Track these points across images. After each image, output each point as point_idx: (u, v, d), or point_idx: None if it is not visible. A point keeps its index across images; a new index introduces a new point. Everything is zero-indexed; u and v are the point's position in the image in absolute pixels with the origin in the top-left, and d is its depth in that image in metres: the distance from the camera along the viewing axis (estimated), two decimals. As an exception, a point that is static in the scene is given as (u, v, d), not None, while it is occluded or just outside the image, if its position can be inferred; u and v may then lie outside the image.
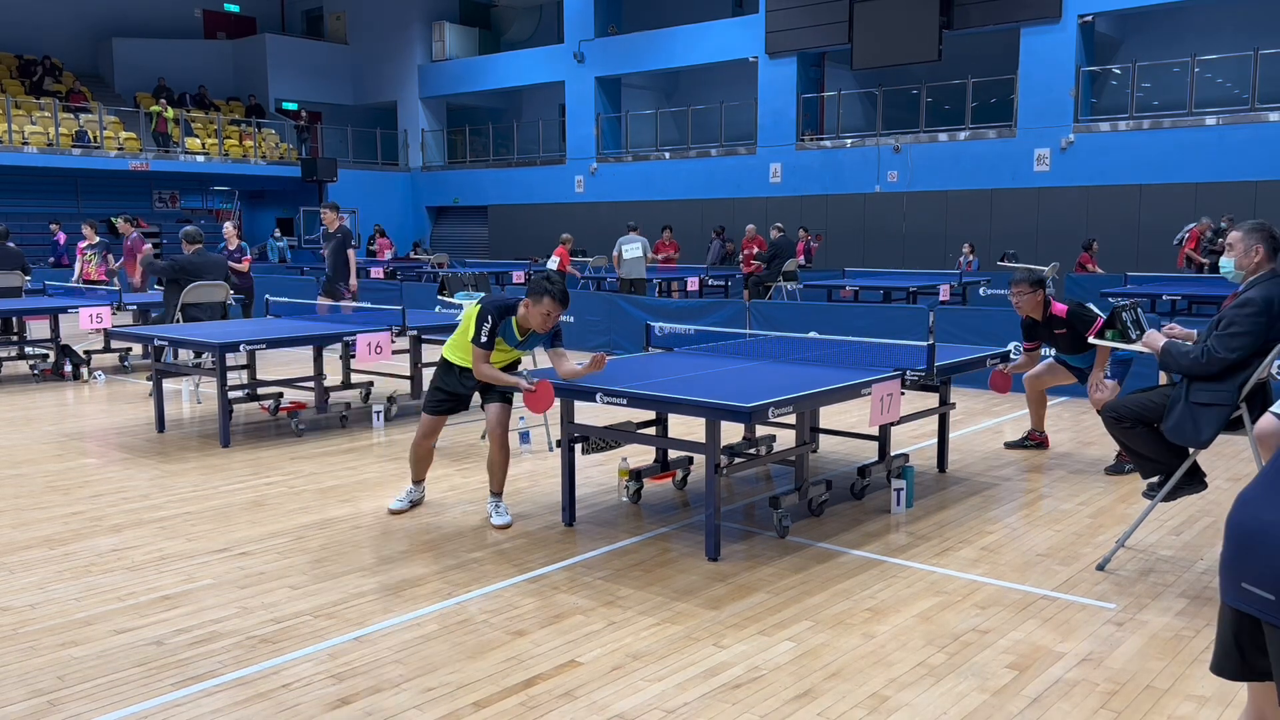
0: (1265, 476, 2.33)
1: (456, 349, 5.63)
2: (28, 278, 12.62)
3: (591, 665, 3.79)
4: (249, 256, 12.51)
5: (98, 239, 14.32)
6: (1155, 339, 4.72)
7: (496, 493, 5.66)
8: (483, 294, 9.48)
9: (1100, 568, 4.81)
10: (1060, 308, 6.81)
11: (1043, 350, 7.19)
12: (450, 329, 8.65)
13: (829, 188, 23.41)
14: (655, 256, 20.23)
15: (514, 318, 5.37)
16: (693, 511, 5.81)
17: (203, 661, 3.82)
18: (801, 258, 19.97)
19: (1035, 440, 7.44)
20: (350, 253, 11.92)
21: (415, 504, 5.96)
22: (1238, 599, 2.25)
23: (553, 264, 17.55)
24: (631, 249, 16.14)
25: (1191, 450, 4.69)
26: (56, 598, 4.48)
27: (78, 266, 14.24)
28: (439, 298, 10.83)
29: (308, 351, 9.85)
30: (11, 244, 12.83)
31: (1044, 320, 6.89)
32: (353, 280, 12.03)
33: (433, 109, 32.31)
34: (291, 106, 31.98)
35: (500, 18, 33.15)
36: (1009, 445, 7.51)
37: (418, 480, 5.96)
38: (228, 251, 12.34)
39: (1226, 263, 4.66)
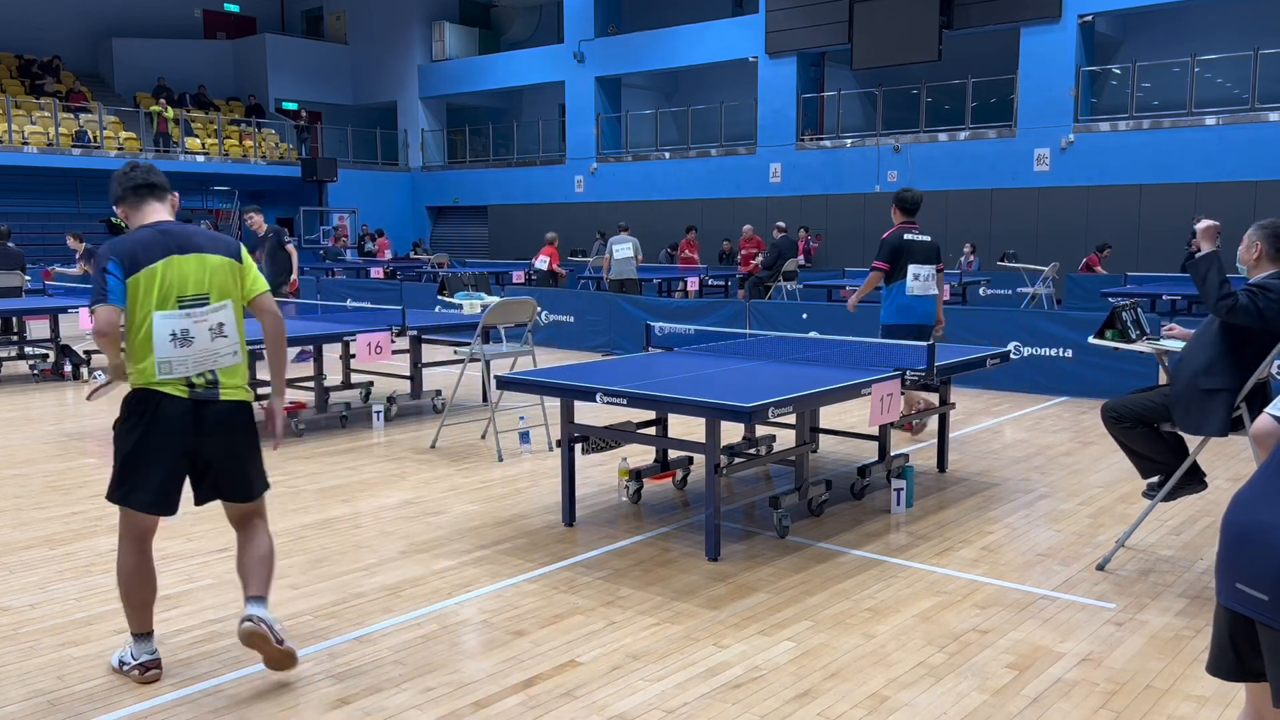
0: (1260, 477, 2.32)
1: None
2: (27, 278, 12.61)
3: (591, 665, 3.79)
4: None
5: (83, 246, 14.28)
6: (1210, 228, 4.58)
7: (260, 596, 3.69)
8: (483, 295, 9.47)
9: (1100, 568, 4.82)
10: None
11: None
12: (453, 328, 8.66)
13: (829, 188, 23.42)
14: (681, 253, 20.28)
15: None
16: (693, 511, 5.81)
17: (203, 661, 3.82)
18: (801, 257, 19.97)
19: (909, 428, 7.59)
20: (289, 248, 11.82)
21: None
22: (1232, 599, 2.24)
23: (541, 264, 17.54)
24: (622, 249, 16.00)
25: (1191, 450, 4.69)
26: (56, 598, 4.49)
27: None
28: (439, 298, 10.83)
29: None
30: (12, 244, 12.84)
31: None
32: (294, 277, 11.77)
33: (433, 109, 32.31)
34: (291, 106, 31.98)
35: (500, 18, 33.16)
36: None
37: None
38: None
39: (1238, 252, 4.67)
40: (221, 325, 3.64)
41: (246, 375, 3.77)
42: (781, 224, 16.97)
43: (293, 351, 12.03)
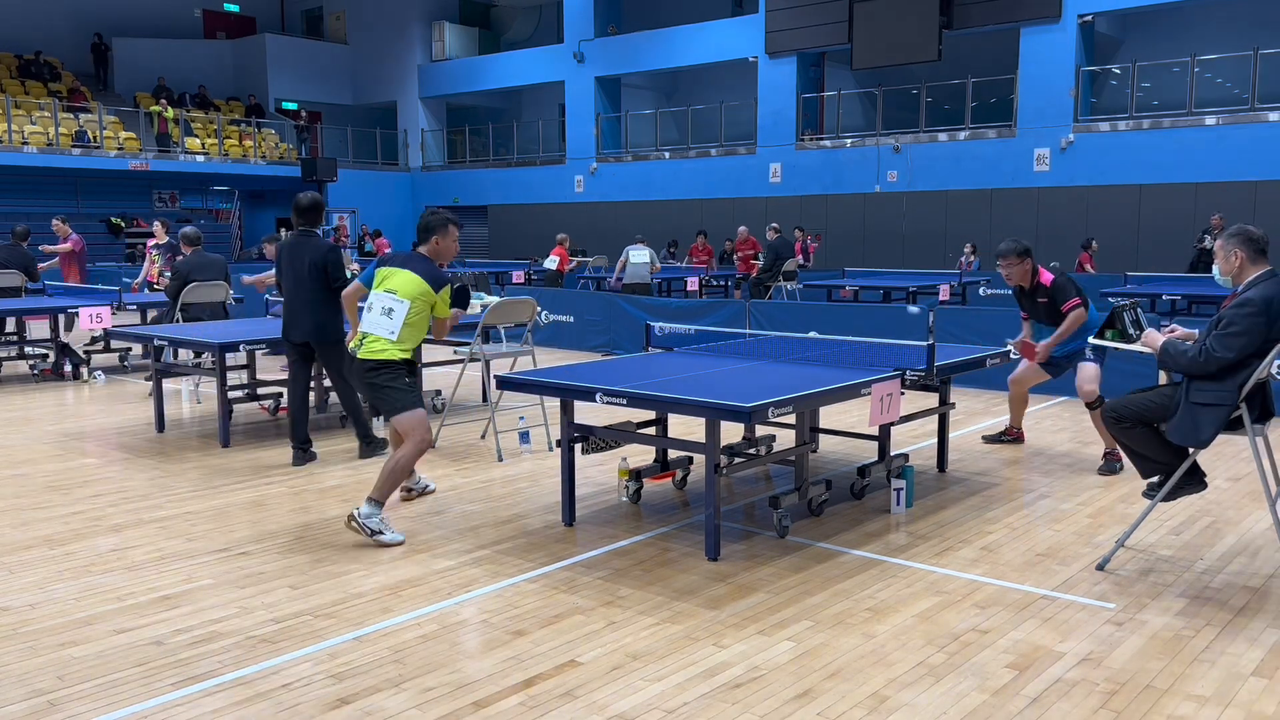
0: None
1: (410, 341, 5.44)
2: (30, 282, 12.53)
3: (591, 665, 3.79)
4: None
5: (167, 238, 12.99)
6: (1154, 338, 4.73)
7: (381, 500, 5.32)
8: (483, 295, 9.47)
9: (1100, 568, 4.82)
10: (1047, 276, 6.83)
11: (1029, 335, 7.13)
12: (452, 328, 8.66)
13: (829, 188, 23.42)
14: (692, 260, 20.34)
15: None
16: (693, 511, 5.81)
17: (203, 661, 3.82)
18: (799, 257, 19.98)
19: (1012, 435, 7.63)
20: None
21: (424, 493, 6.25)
22: None
23: (551, 264, 17.53)
24: (638, 254, 16.11)
25: (1191, 450, 4.70)
26: (56, 598, 4.49)
27: (144, 266, 13.26)
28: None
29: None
30: (24, 245, 12.80)
31: (1031, 288, 6.92)
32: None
33: (432, 109, 32.31)
34: (291, 106, 31.98)
35: (500, 17, 33.16)
36: (986, 439, 7.68)
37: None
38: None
39: (1216, 269, 4.74)
40: (391, 310, 5.32)
41: (389, 344, 5.32)
42: (776, 225, 16.97)
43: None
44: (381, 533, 5.19)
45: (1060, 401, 9.35)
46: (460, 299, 5.66)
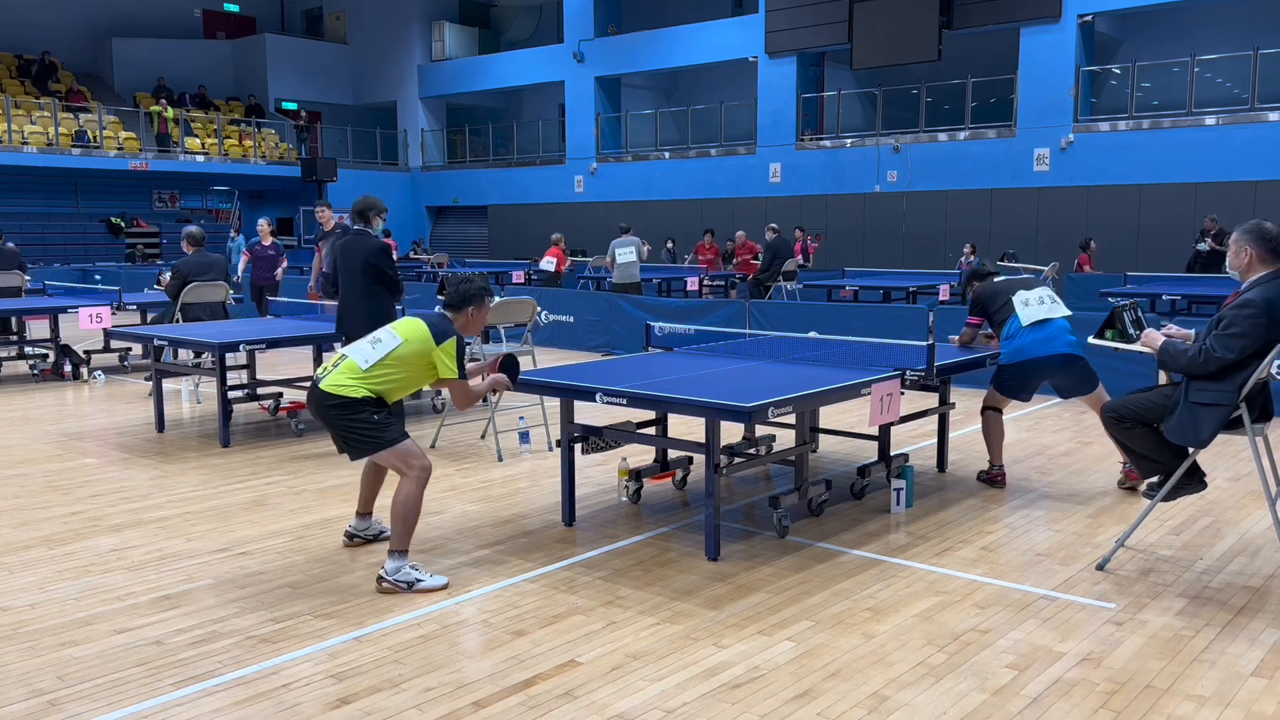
0: None
1: (383, 382, 4.64)
2: (27, 278, 12.56)
3: (591, 665, 3.79)
4: (285, 257, 11.69)
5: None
6: (1154, 338, 4.73)
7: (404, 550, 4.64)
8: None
9: (1100, 568, 4.82)
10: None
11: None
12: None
13: (829, 188, 23.41)
14: (698, 258, 20.22)
15: None
16: (693, 511, 5.81)
17: (203, 661, 3.82)
18: (799, 257, 19.97)
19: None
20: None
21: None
22: None
23: (548, 265, 17.51)
24: (625, 252, 15.31)
25: (1191, 450, 4.70)
26: (56, 598, 4.49)
27: None
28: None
29: (308, 351, 9.85)
30: (11, 244, 12.82)
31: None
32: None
33: (432, 109, 32.31)
34: (291, 106, 31.97)
35: (500, 17, 33.16)
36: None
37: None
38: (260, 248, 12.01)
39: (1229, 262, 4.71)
40: (379, 340, 4.70)
41: (354, 380, 4.60)
42: (775, 225, 16.94)
43: (285, 352, 12.03)
44: (420, 580, 4.58)
45: (1060, 401, 9.35)
46: (509, 368, 4.99)
